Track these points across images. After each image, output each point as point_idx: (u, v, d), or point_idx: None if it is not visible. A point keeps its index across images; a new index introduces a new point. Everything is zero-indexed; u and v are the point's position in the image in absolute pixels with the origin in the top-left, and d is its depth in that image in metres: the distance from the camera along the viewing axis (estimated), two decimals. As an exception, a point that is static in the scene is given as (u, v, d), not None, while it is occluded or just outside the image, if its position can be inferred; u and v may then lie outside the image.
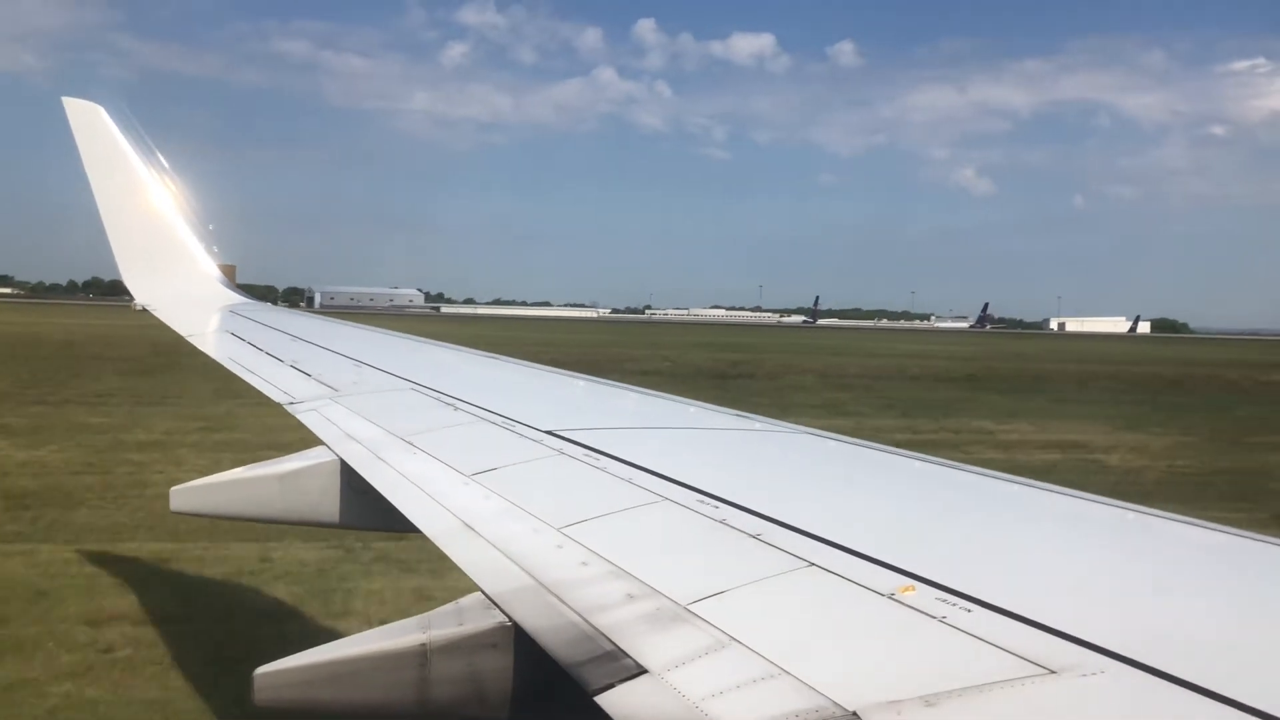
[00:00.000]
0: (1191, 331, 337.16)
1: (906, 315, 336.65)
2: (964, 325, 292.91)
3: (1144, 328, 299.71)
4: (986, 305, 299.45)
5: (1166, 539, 3.32)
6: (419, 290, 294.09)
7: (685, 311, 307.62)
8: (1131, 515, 3.48)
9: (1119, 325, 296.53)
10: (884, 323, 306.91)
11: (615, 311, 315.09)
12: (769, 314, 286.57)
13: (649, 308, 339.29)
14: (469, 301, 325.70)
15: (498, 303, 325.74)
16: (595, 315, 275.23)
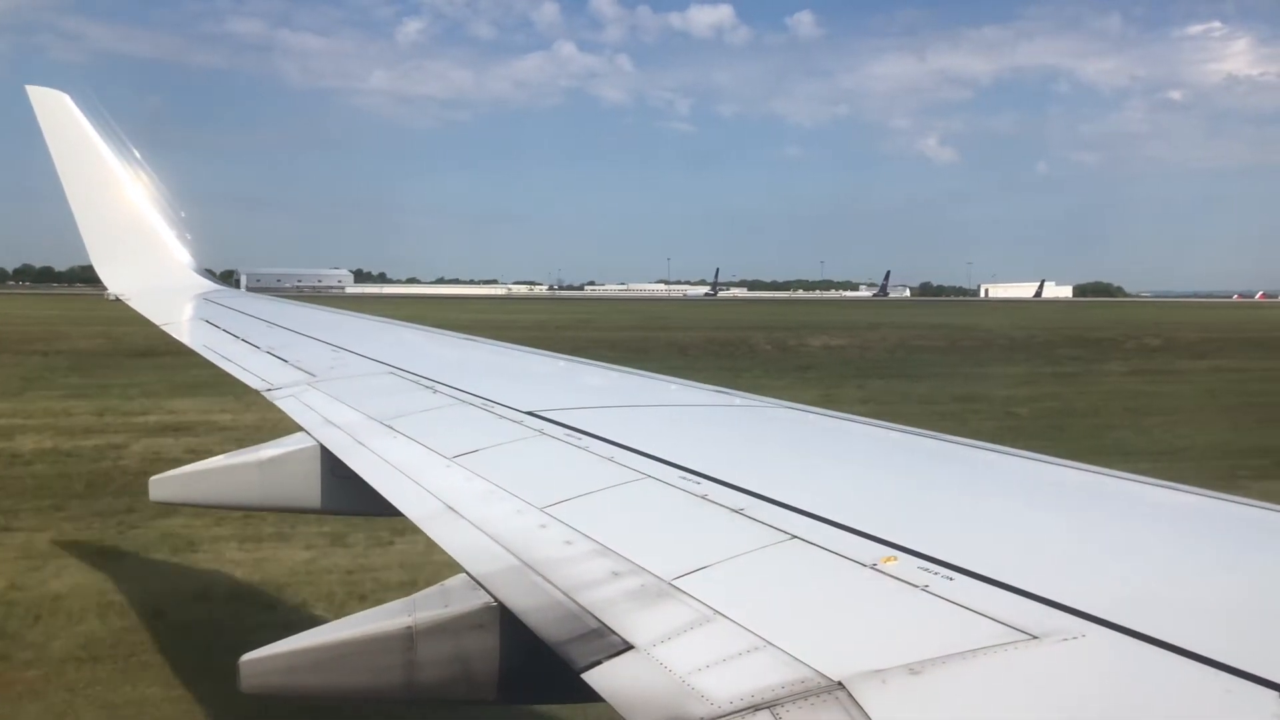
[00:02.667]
0: (1126, 294, 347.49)
1: (848, 285, 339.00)
2: (905, 294, 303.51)
3: (1065, 291, 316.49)
4: (888, 274, 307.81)
5: (1143, 503, 3.36)
6: (349, 270, 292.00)
7: (624, 287, 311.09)
8: (1109, 481, 3.52)
9: (1053, 289, 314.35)
10: (800, 293, 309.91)
11: (551, 288, 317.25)
12: (715, 287, 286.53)
13: (591, 283, 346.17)
14: (412, 280, 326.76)
15: (440, 281, 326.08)
16: (504, 292, 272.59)
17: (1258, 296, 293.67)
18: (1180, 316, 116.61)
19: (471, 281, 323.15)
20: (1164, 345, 62.92)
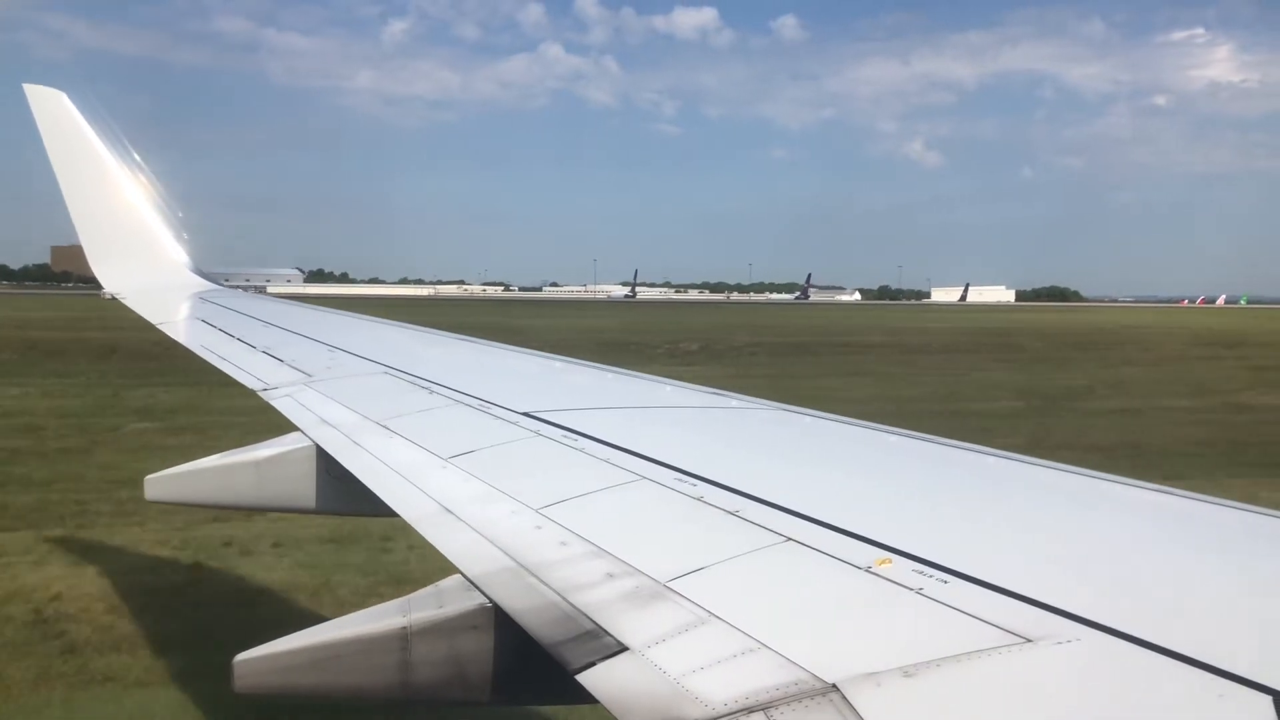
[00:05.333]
0: (1081, 299, 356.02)
1: (792, 286, 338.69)
2: (856, 297, 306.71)
3: (1010, 295, 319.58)
4: (809, 276, 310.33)
5: (1137, 507, 3.37)
6: (300, 270, 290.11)
7: (582, 288, 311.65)
8: (1103, 485, 3.52)
9: (1002, 294, 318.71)
10: (734, 296, 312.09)
11: (507, 289, 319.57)
12: (633, 289, 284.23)
13: (554, 284, 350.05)
14: (374, 280, 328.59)
15: (404, 281, 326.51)
16: (430, 292, 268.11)
17: (1198, 302, 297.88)
18: (962, 322, 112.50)
19: (438, 282, 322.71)
20: (700, 349, 60.57)
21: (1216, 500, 3.22)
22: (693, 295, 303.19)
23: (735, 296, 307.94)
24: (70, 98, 12.14)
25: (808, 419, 4.96)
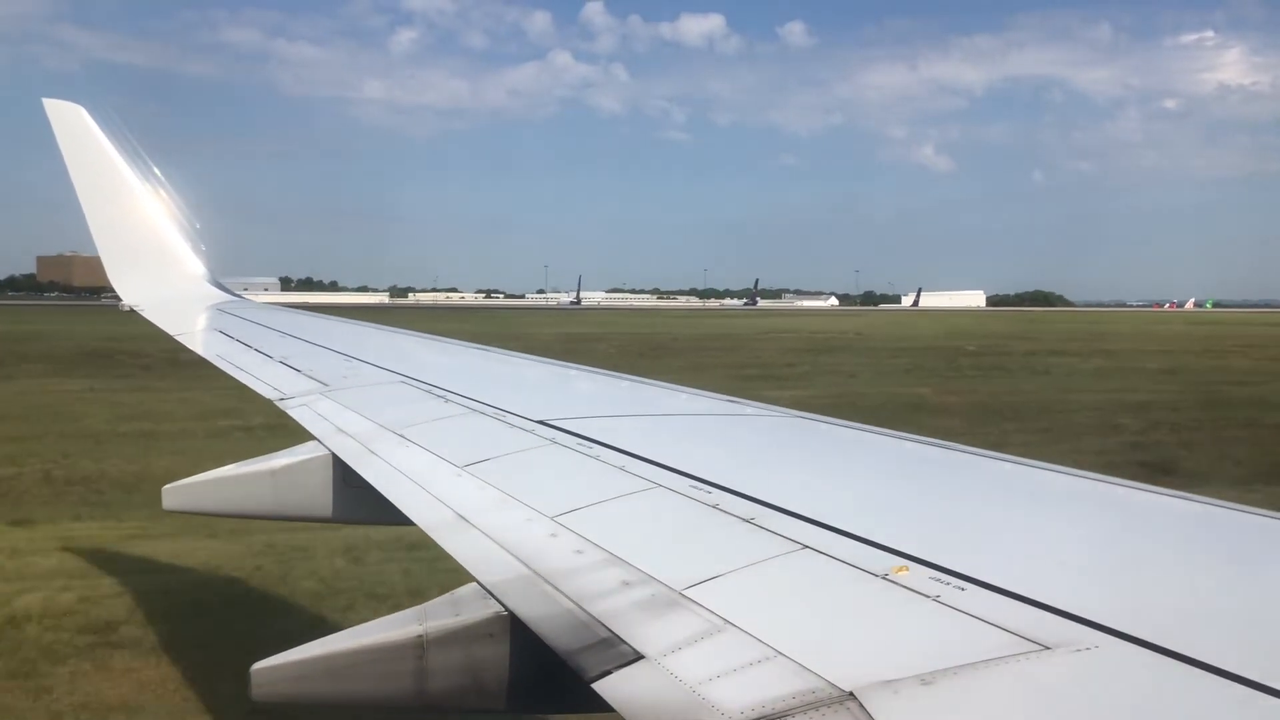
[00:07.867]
0: (1067, 303, 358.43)
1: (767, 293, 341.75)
2: (832, 303, 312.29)
3: (980, 300, 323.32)
4: (757, 281, 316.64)
5: (1156, 514, 3.34)
6: (276, 280, 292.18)
7: (568, 295, 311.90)
8: (1121, 491, 3.50)
9: (977, 297, 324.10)
10: (697, 302, 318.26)
11: (489, 296, 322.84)
12: (578, 296, 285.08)
13: (542, 291, 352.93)
14: (362, 289, 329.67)
15: (392, 290, 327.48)
16: (383, 299, 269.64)
17: (1168, 306, 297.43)
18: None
19: (432, 289, 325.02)
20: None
21: (1236, 506, 3.19)
22: (669, 302, 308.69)
23: (695, 302, 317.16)
24: (89, 112, 12.27)
25: (823, 426, 4.95)
